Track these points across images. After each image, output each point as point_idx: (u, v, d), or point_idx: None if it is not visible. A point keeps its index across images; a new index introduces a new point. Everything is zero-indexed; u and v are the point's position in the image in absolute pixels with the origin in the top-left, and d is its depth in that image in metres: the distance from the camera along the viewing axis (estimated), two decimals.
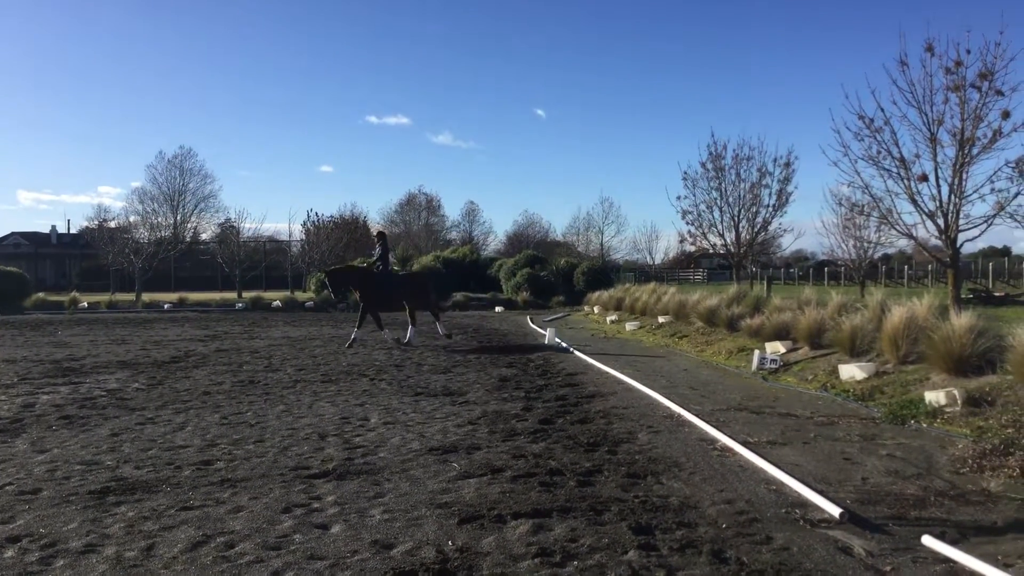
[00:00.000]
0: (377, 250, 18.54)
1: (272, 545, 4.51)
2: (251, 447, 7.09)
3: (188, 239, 68.02)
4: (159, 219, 65.16)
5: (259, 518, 5.01)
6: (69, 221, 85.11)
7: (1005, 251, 65.98)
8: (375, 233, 22.08)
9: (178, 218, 69.65)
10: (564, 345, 16.88)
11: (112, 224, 60.72)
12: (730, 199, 25.96)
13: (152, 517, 5.02)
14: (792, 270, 66.30)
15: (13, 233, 72.71)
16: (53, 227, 74.42)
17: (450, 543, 4.53)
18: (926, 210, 14.06)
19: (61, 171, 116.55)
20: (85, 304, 36.10)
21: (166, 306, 36.51)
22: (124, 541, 4.57)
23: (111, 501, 5.37)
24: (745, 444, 6.97)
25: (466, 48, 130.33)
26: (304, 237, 55.74)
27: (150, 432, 7.75)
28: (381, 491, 5.64)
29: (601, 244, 72.69)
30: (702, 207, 26.39)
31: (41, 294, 38.25)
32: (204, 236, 70.38)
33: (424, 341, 18.33)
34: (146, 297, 40.75)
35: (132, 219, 60.95)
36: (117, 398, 9.86)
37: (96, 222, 62.20)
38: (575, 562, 4.23)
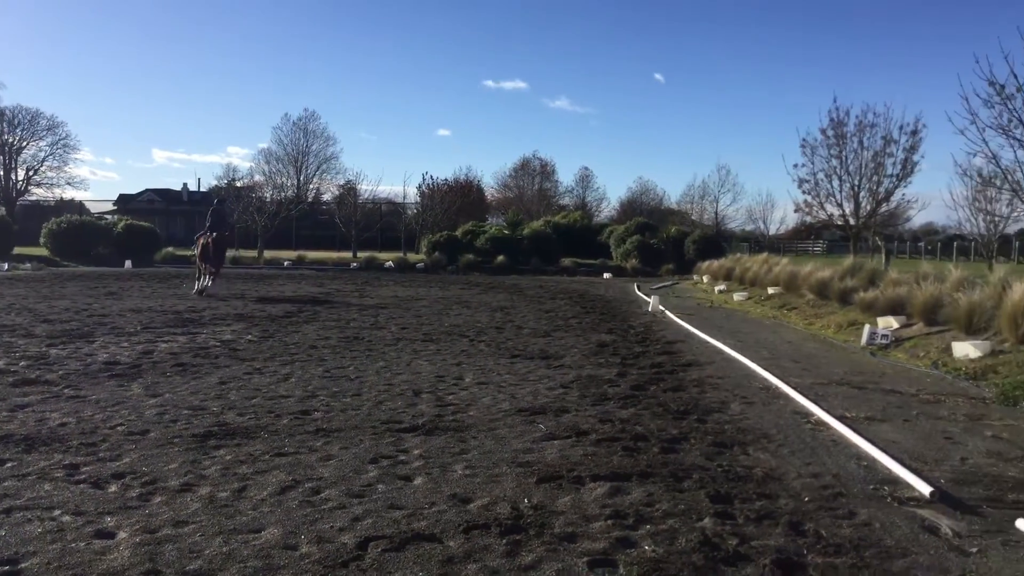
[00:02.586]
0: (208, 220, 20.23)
1: (356, 493, 4.68)
2: (348, 400, 7.35)
3: (310, 199, 70.03)
4: (283, 179, 67.31)
5: (347, 467, 5.20)
6: (199, 179, 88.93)
7: None
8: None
9: (301, 179, 71.66)
10: (668, 314, 16.68)
11: (239, 183, 63.32)
12: (850, 168, 25.03)
13: (248, 461, 5.29)
14: (920, 244, 63.26)
15: (147, 190, 76.47)
16: (184, 185, 77.84)
17: (526, 501, 4.60)
18: None
19: (193, 131, 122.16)
20: None
21: (286, 263, 37.92)
22: (219, 482, 4.83)
23: (211, 444, 5.67)
24: (841, 419, 6.77)
25: (585, 12, 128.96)
26: (419, 200, 56.65)
27: (256, 382, 8.12)
28: (466, 448, 5.76)
29: (716, 213, 70.92)
30: (820, 176, 25.55)
31: (171, 248, 40.32)
32: (325, 197, 72.35)
33: (529, 308, 18.47)
34: (268, 254, 42.39)
35: (258, 179, 63.36)
36: (229, 349, 10.35)
37: (225, 181, 64.94)
38: (647, 526, 4.24)
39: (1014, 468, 5.44)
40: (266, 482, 4.85)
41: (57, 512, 4.24)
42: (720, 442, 6.05)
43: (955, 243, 54.49)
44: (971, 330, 10.54)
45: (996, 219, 29.67)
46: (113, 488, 4.67)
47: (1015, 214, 28.25)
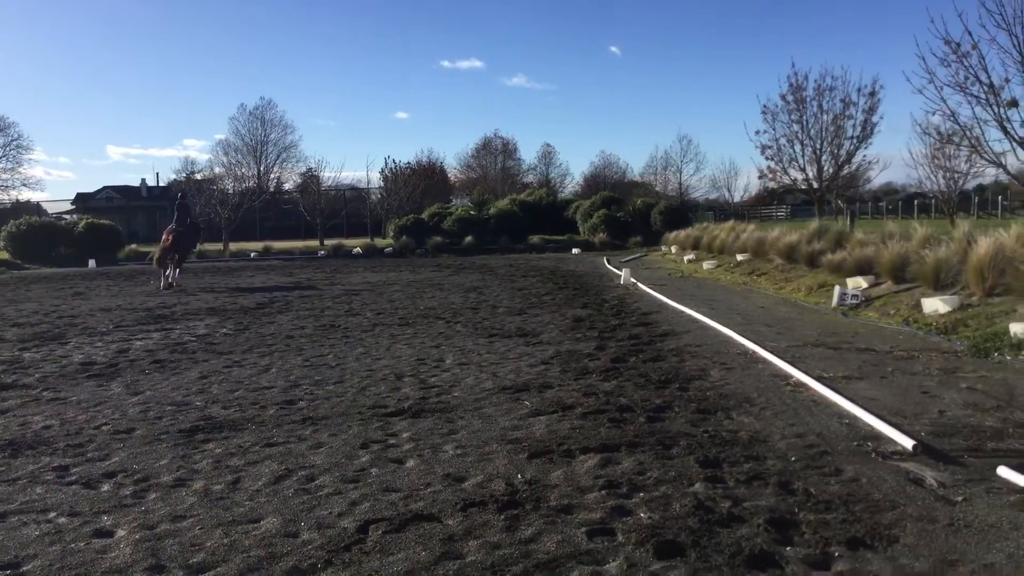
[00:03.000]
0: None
1: (350, 479, 4.71)
2: (331, 387, 7.35)
3: (271, 189, 69.32)
4: (243, 170, 66.44)
5: (338, 453, 5.22)
6: (158, 174, 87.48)
7: None
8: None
9: (261, 168, 70.78)
10: (640, 286, 16.80)
11: (199, 176, 62.50)
12: (811, 132, 25.35)
13: (238, 453, 5.29)
14: (881, 204, 64.07)
15: (105, 187, 75.27)
16: (143, 180, 76.73)
17: (519, 476, 4.66)
18: (1016, 137, 13.45)
19: (147, 126, 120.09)
20: None
21: (252, 255, 37.59)
22: (212, 476, 4.84)
23: (200, 439, 5.66)
24: (819, 379, 6.90)
25: None
26: (383, 184, 56.29)
27: (237, 374, 8.09)
28: (454, 428, 5.80)
29: (680, 183, 71.35)
30: (782, 141, 25.85)
31: (134, 245, 39.77)
32: (287, 186, 71.71)
33: (502, 287, 18.52)
34: (233, 246, 41.98)
35: (217, 171, 62.50)
36: (206, 343, 10.28)
37: (183, 175, 64.07)
38: (641, 493, 4.31)
39: (991, 418, 5.59)
40: (259, 473, 4.86)
41: (52, 514, 4.22)
42: (704, 408, 6.14)
43: (915, 201, 55.25)
44: (939, 286, 10.75)
45: (956, 175, 30.09)
46: (106, 487, 4.65)
47: (974, 170, 28.64)
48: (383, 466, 4.95)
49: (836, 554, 3.52)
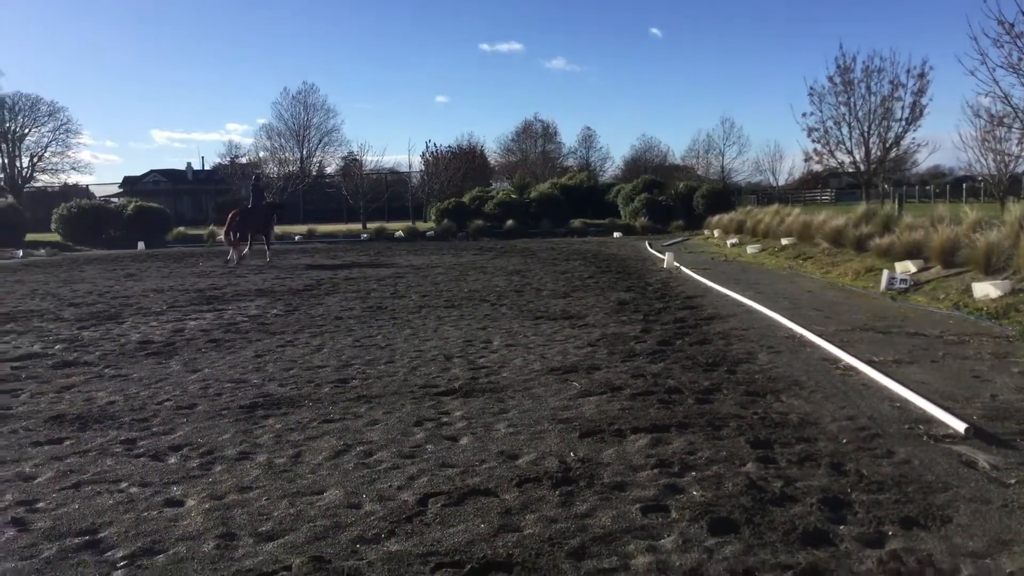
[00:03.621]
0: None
1: (407, 454, 4.84)
2: (383, 367, 7.50)
3: (314, 173, 69.94)
4: (286, 154, 67.13)
5: (393, 430, 5.36)
6: (203, 158, 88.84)
7: None
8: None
9: (304, 152, 71.44)
10: (684, 269, 16.78)
11: (243, 160, 63.30)
12: (859, 114, 25.04)
13: (297, 429, 5.45)
14: (928, 187, 62.97)
15: (152, 171, 76.54)
16: (188, 164, 78.01)
17: (572, 454, 4.75)
18: None
19: (191, 110, 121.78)
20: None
21: (296, 238, 38.05)
22: (274, 449, 5.00)
23: (260, 415, 5.83)
24: (869, 363, 6.89)
25: None
26: (423, 168, 56.53)
27: (290, 354, 8.27)
28: (505, 407, 5.91)
29: (722, 166, 70.63)
30: (829, 123, 25.57)
31: (181, 228, 40.51)
32: (329, 170, 72.26)
33: (545, 270, 18.60)
34: (277, 229, 42.46)
35: (261, 155, 63.22)
36: (258, 323, 10.51)
37: (228, 158, 64.91)
38: (693, 472, 4.38)
39: None
40: (319, 447, 5.01)
41: (124, 484, 4.40)
42: (752, 391, 6.18)
43: (964, 185, 54.26)
44: (990, 270, 10.61)
45: (1007, 158, 29.54)
46: (173, 460, 4.83)
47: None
48: (438, 443, 5.07)
49: (889, 533, 3.56)
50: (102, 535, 3.74)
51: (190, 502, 4.11)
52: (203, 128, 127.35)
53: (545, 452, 4.82)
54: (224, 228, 22.62)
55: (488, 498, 4.08)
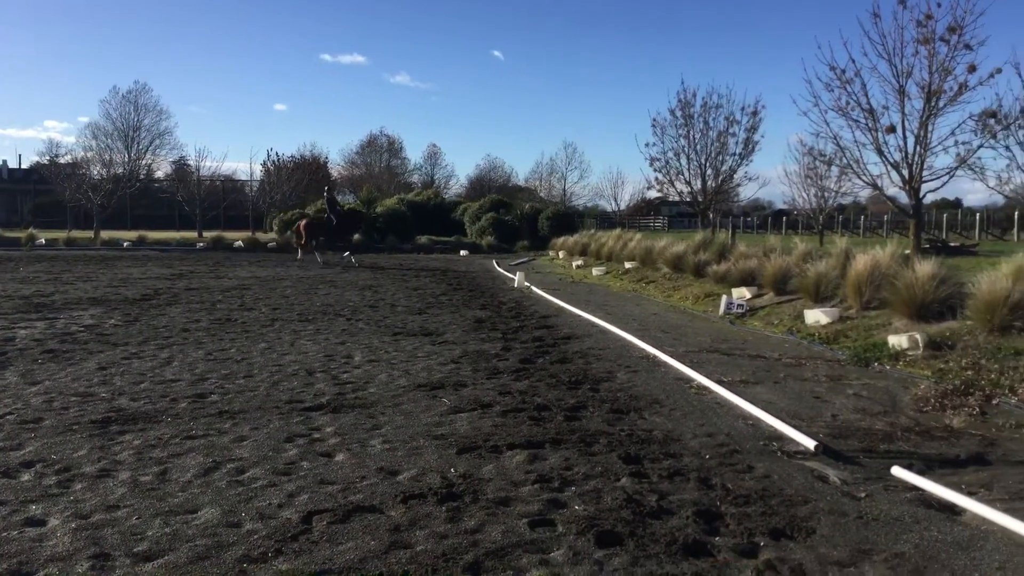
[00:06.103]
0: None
1: (282, 471, 4.71)
2: (241, 381, 7.25)
3: (143, 176, 66.43)
4: (113, 155, 63.45)
5: (264, 447, 5.20)
6: (20, 156, 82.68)
7: (956, 203, 67.16)
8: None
9: (132, 155, 67.81)
10: (535, 289, 17.11)
11: (64, 160, 59.31)
12: (697, 147, 26.22)
13: (159, 445, 5.19)
14: (750, 218, 67.17)
15: None
16: (4, 162, 72.54)
17: (452, 470, 4.77)
18: (892, 160, 14.48)
19: (5, 105, 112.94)
20: (42, 241, 35.42)
21: (125, 244, 36.05)
22: (137, 467, 4.74)
23: (115, 430, 5.51)
24: (720, 383, 7.28)
25: None
26: (264, 177, 54.87)
27: (138, 366, 7.85)
28: (377, 423, 5.85)
29: (564, 190, 72.55)
30: (670, 154, 26.63)
31: None
32: (159, 174, 68.90)
33: (396, 286, 18.47)
34: (104, 235, 40.10)
35: (86, 155, 59.50)
36: (96, 333, 9.90)
37: (48, 157, 60.72)
38: (573, 487, 4.50)
39: (879, 422, 6.05)
40: (186, 465, 4.79)
41: None
42: (617, 408, 6.40)
43: (784, 217, 58.15)
44: (819, 298, 11.43)
45: (826, 194, 32.02)
46: (26, 476, 4.50)
47: (842, 189, 30.57)
48: (313, 459, 4.96)
49: (761, 544, 3.79)
50: None
51: (53, 521, 3.85)
52: (18, 124, 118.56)
53: (425, 468, 4.81)
54: (301, 238, 26.78)
55: (374, 515, 4.04)
